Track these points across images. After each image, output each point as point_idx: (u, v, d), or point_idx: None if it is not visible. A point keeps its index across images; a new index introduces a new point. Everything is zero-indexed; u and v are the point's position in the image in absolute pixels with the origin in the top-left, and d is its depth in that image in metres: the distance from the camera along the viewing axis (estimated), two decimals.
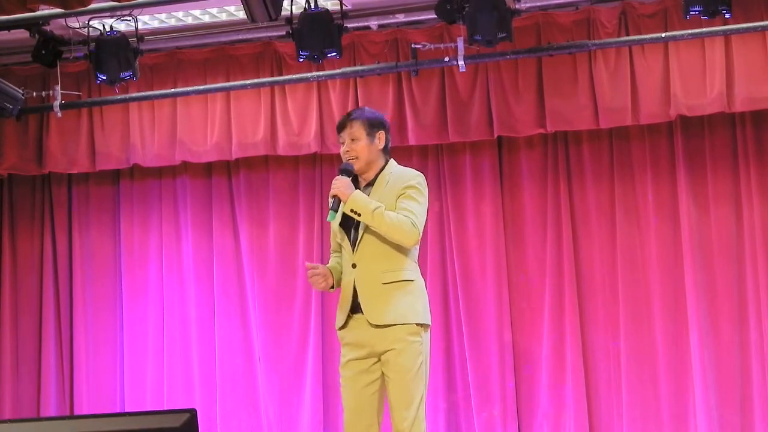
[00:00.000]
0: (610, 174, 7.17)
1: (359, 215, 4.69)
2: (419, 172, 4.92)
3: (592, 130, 7.09)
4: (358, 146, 4.84)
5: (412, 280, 4.79)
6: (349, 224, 4.81)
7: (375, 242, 4.74)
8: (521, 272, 7.25)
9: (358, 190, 4.77)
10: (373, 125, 4.89)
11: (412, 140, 7.20)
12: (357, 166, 4.85)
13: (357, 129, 4.87)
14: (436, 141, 7.25)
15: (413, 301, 4.76)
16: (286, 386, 7.48)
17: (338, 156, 7.38)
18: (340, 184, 4.74)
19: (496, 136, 7.14)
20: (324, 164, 7.56)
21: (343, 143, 4.90)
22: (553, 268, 7.16)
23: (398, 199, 4.78)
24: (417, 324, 4.73)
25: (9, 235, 7.97)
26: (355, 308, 4.76)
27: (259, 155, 7.48)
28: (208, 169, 7.74)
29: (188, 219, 7.75)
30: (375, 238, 4.74)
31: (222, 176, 7.74)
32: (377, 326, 4.70)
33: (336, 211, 4.76)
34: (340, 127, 4.93)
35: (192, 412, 3.05)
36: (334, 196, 4.75)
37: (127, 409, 7.59)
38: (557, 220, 7.19)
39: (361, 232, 4.77)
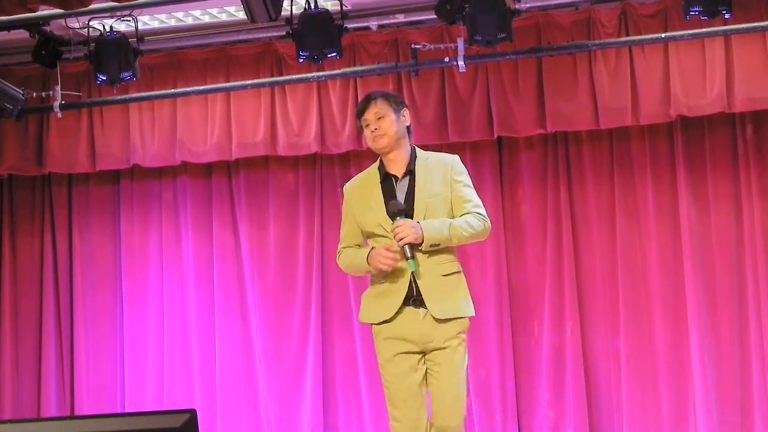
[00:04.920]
0: (610, 174, 7.17)
1: (439, 245, 4.54)
2: (454, 154, 4.81)
3: (592, 130, 7.09)
4: (386, 123, 4.68)
5: (461, 271, 4.70)
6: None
7: None
8: (521, 272, 7.25)
9: (419, 222, 4.52)
10: (398, 102, 4.78)
11: (412, 140, 7.17)
12: (385, 143, 4.68)
13: (381, 106, 4.71)
14: (436, 141, 7.23)
15: (466, 293, 4.67)
16: (286, 386, 7.48)
17: (339, 156, 7.50)
18: (406, 229, 4.49)
19: (496, 136, 7.14)
20: (324, 164, 7.56)
21: (367, 125, 4.71)
22: (553, 268, 7.16)
23: (454, 190, 4.64)
24: (469, 318, 4.65)
25: (9, 235, 7.97)
26: (408, 300, 4.59)
27: (259, 155, 7.48)
28: (208, 169, 7.74)
29: (188, 219, 7.75)
30: None
31: (222, 176, 7.74)
32: (438, 320, 4.56)
33: (413, 258, 4.50)
34: (362, 110, 4.72)
35: (192, 412, 3.04)
36: (408, 244, 4.48)
37: (127, 410, 7.59)
38: (557, 220, 7.19)
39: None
